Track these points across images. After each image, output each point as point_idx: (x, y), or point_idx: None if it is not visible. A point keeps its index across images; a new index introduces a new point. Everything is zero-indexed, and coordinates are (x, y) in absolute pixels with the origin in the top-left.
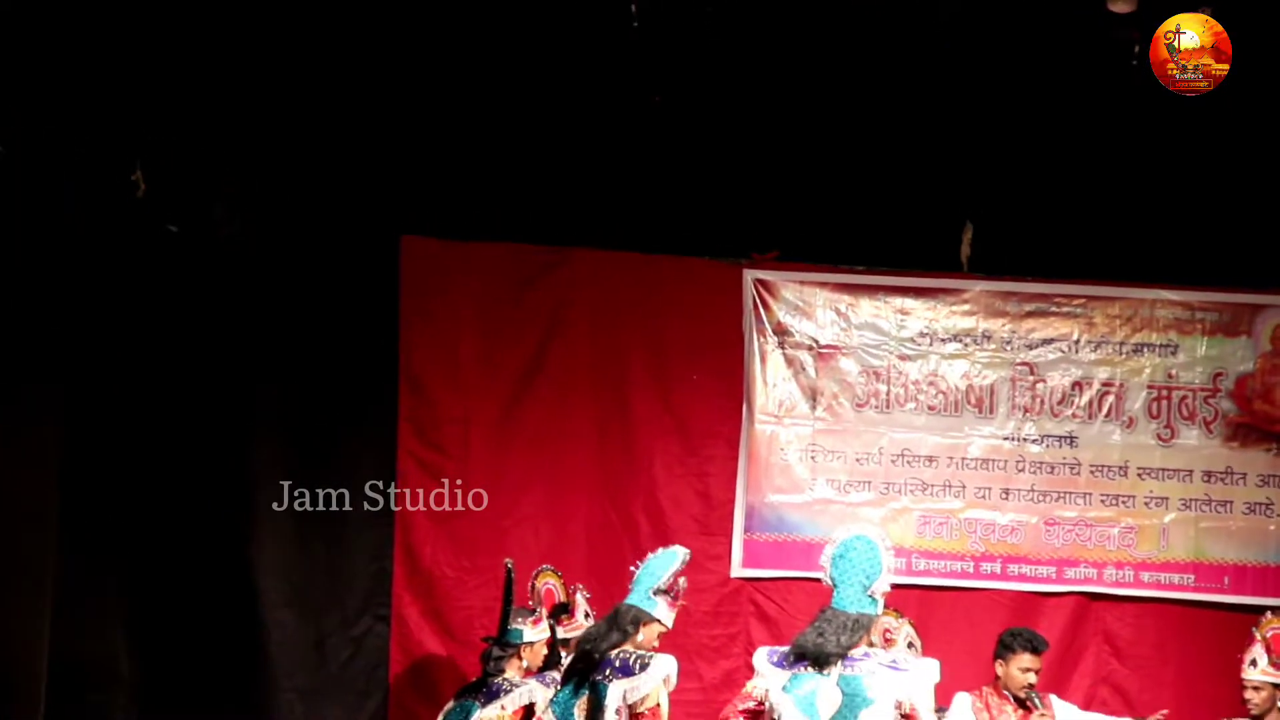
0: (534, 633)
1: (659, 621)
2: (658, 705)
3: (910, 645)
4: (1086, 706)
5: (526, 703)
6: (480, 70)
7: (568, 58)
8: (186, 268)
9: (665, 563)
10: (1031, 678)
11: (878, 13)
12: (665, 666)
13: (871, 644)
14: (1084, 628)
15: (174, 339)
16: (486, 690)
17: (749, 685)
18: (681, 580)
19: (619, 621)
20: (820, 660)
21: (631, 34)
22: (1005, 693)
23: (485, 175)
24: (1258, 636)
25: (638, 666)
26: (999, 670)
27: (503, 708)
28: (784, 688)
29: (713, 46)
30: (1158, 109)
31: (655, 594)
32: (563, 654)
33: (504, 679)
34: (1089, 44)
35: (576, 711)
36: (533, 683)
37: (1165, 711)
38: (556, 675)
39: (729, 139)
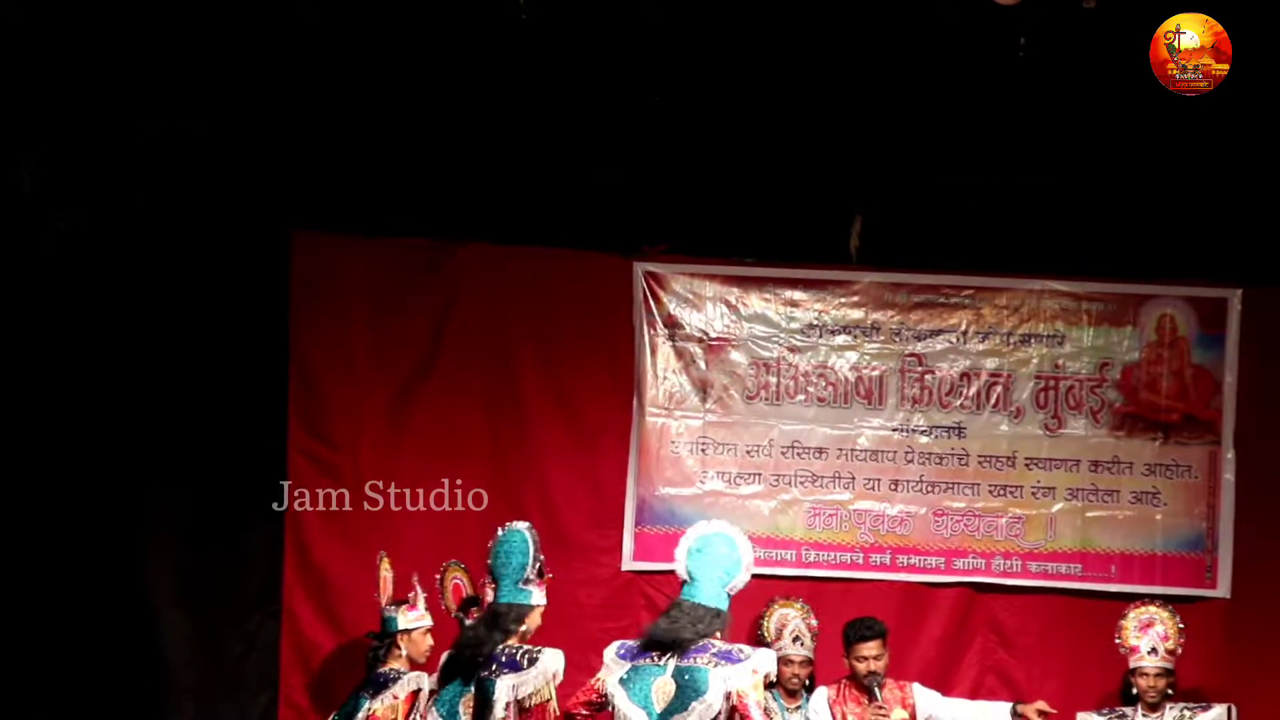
0: (408, 620)
1: (538, 607)
2: (546, 701)
3: (796, 639)
4: (974, 695)
5: (415, 689)
6: (369, 63)
7: (458, 51)
8: (69, 263)
9: (520, 549)
10: (872, 665)
11: (765, 6)
12: (553, 662)
13: (718, 637)
14: (972, 618)
15: (56, 334)
16: (374, 682)
17: (595, 678)
18: (542, 558)
19: (501, 622)
20: (672, 649)
21: (521, 24)
22: (858, 684)
23: (376, 169)
24: (1145, 625)
25: (525, 661)
26: (848, 663)
27: (395, 696)
28: (621, 679)
29: (602, 39)
30: (1043, 102)
31: (524, 584)
32: None
33: (390, 669)
34: (975, 36)
35: (462, 708)
36: (419, 672)
37: (1042, 704)
38: None
39: (618, 132)
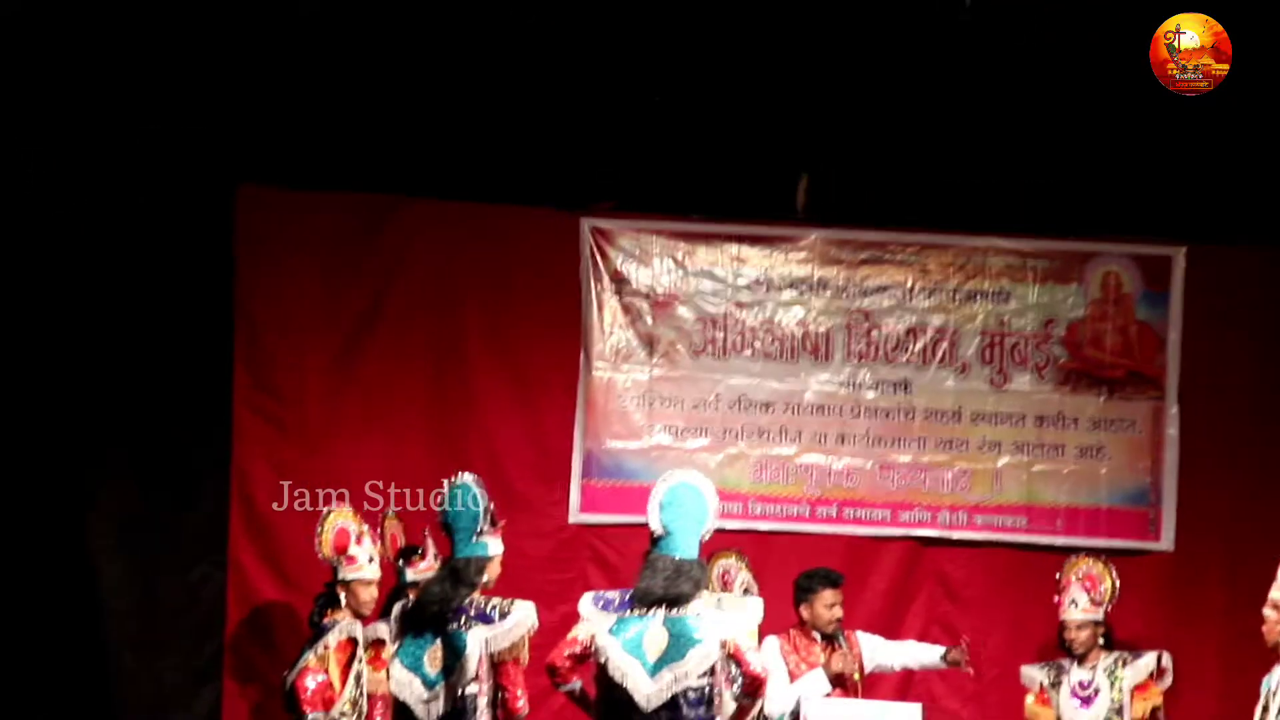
0: (348, 571)
1: (496, 556)
2: (518, 654)
3: (746, 591)
4: None
5: (348, 636)
6: (315, 18)
7: (404, 7)
8: (8, 219)
9: (470, 501)
10: (838, 612)
11: None
12: (527, 615)
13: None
14: (918, 570)
15: None
16: (313, 635)
17: (575, 630)
18: (491, 505)
19: (464, 576)
20: (677, 603)
21: None
22: (813, 633)
23: (322, 124)
24: (1072, 577)
25: (497, 614)
26: (804, 614)
27: (325, 646)
28: (610, 630)
29: None
30: (988, 59)
31: (479, 537)
32: (411, 597)
33: (328, 620)
34: None
35: (427, 661)
36: (353, 620)
37: (966, 641)
38: None
39: (564, 88)
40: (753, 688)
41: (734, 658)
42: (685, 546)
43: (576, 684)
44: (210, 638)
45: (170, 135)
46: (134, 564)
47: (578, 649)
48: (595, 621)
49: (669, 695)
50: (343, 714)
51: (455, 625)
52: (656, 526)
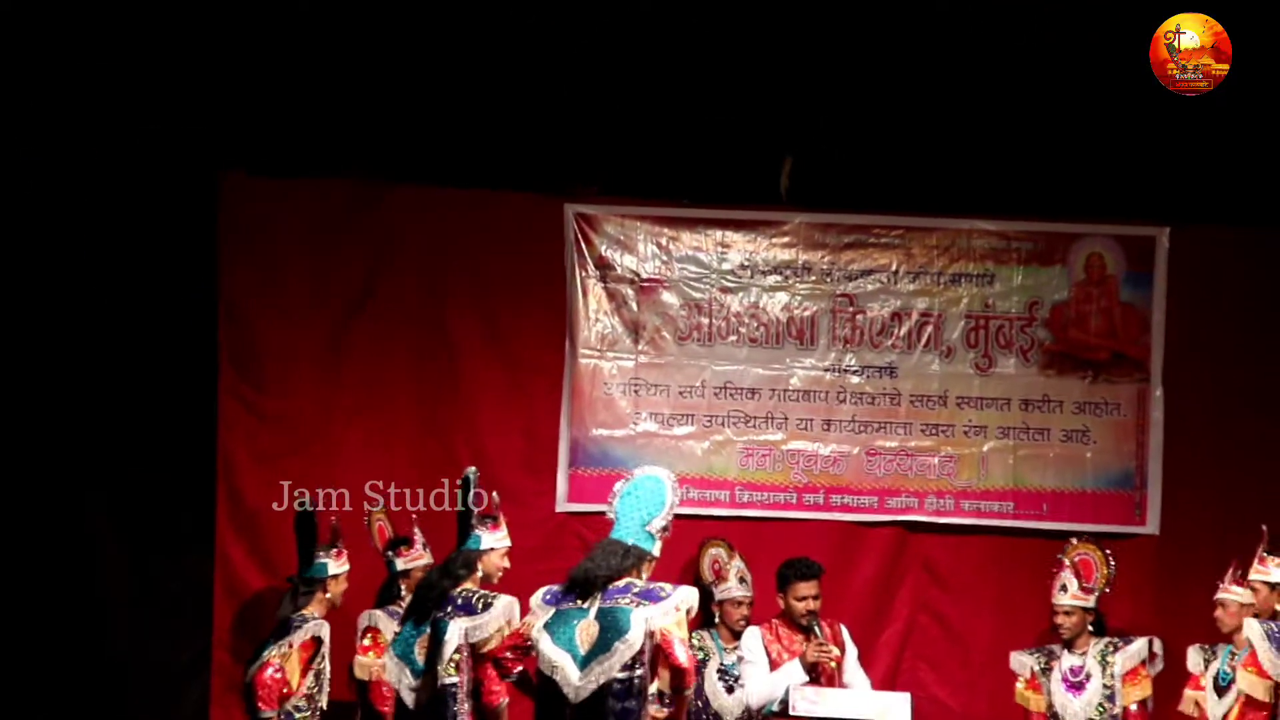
0: (338, 566)
1: (489, 550)
2: (498, 647)
3: (742, 580)
4: (907, 634)
5: (313, 636)
6: (299, 5)
7: None
8: None
9: (466, 496)
10: (810, 604)
11: None
12: (507, 609)
13: (641, 577)
14: (905, 556)
15: None
16: (279, 629)
17: (522, 621)
18: (494, 496)
19: (450, 568)
20: (587, 586)
21: None
22: (792, 623)
23: (305, 111)
24: (1065, 562)
25: (480, 605)
26: (781, 603)
27: (289, 645)
28: (546, 624)
29: None
30: (969, 41)
31: (473, 530)
32: (403, 586)
33: (298, 615)
34: None
35: (417, 648)
36: (320, 621)
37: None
38: (398, 608)
39: (548, 74)
40: (679, 680)
41: (662, 648)
42: (626, 533)
43: (518, 672)
44: (203, 625)
45: (153, 124)
46: (129, 554)
47: (520, 640)
48: (538, 614)
49: (594, 687)
50: (296, 708)
51: (440, 614)
52: (611, 514)
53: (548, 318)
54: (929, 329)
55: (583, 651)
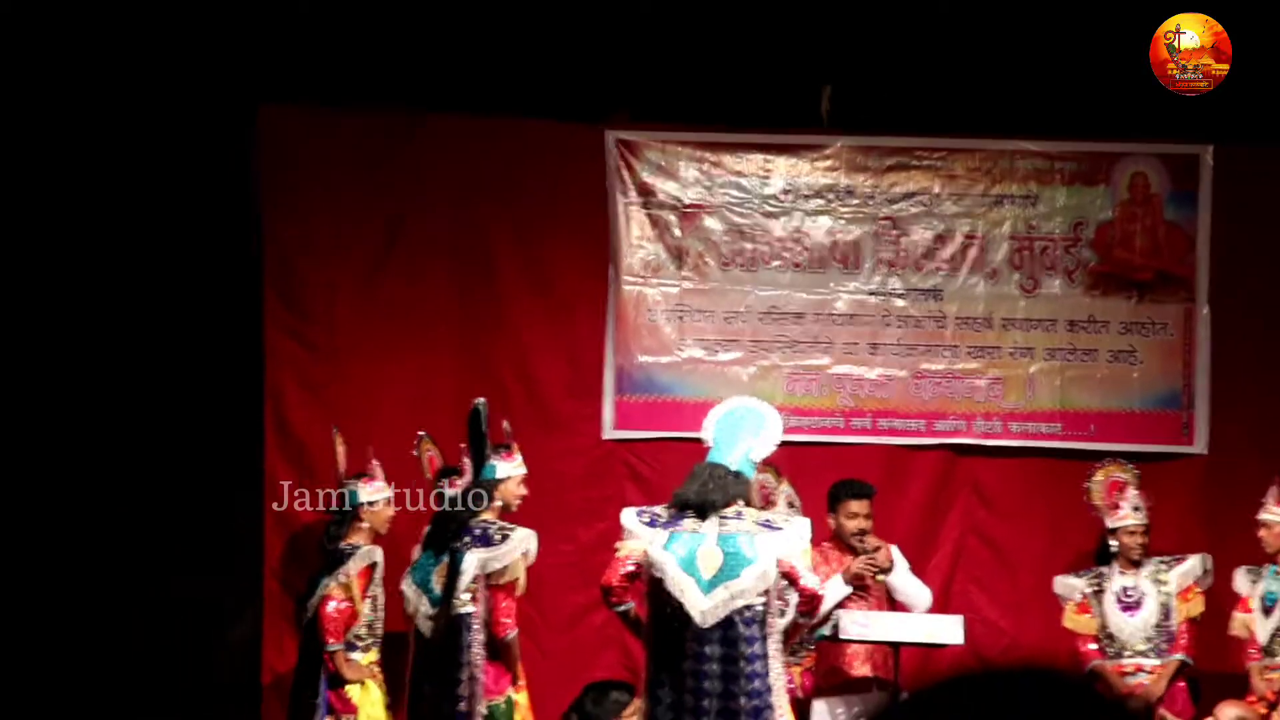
0: (368, 493)
1: (505, 479)
2: (516, 579)
3: (791, 505)
4: (956, 556)
5: (369, 563)
6: None
7: None
8: (26, 149)
9: (474, 425)
10: (861, 523)
11: None
12: (525, 541)
13: (749, 504)
14: (953, 479)
15: (19, 224)
16: (330, 559)
17: (621, 548)
18: (505, 425)
19: (465, 499)
20: (703, 509)
21: None
22: (843, 544)
23: (342, 42)
24: (1128, 480)
25: (498, 537)
26: (832, 524)
27: (347, 574)
28: (664, 546)
29: None
30: None
31: (487, 460)
32: None
33: (348, 544)
34: None
35: (434, 578)
36: (372, 546)
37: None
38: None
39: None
40: (809, 605)
41: (788, 577)
42: (729, 457)
43: (631, 605)
44: (251, 561)
45: (190, 58)
46: (178, 490)
47: (630, 567)
48: (644, 538)
49: (725, 614)
50: (358, 636)
51: (458, 544)
52: (708, 437)
53: (589, 245)
54: (973, 251)
55: (706, 577)
